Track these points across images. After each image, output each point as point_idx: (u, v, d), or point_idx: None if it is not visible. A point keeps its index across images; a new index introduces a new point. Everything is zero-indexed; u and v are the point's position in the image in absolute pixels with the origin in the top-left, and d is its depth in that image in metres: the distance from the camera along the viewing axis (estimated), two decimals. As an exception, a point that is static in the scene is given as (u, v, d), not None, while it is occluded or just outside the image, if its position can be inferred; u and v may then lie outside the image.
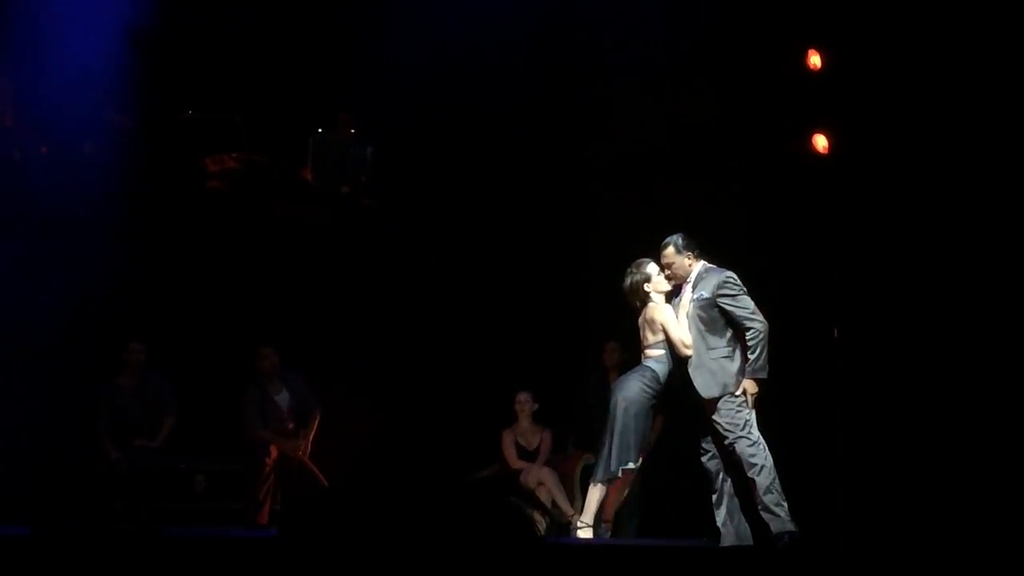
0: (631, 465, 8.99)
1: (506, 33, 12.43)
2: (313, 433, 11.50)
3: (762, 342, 8.68)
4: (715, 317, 8.76)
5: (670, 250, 8.91)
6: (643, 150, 12.64)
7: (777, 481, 8.66)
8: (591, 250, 12.78)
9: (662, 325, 8.93)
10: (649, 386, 9.00)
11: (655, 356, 9.03)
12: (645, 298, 9.08)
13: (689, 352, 8.77)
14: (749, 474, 8.61)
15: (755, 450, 8.62)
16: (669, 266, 8.92)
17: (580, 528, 9.04)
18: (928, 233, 11.27)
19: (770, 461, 8.65)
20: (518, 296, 12.76)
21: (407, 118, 12.86)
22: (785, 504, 8.62)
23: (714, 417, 8.71)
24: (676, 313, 8.88)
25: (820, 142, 11.45)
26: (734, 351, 8.78)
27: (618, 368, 12.10)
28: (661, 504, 11.22)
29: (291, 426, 11.50)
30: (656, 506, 11.19)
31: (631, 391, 8.99)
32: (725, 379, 8.71)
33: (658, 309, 8.99)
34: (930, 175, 11.25)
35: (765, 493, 8.57)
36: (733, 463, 8.70)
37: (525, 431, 12.05)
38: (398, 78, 12.52)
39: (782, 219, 11.93)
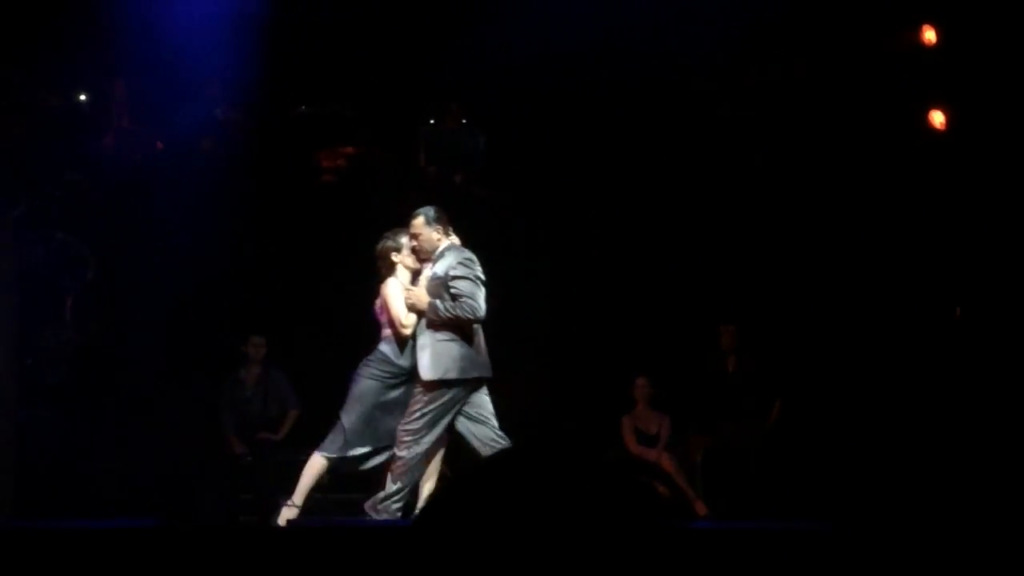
0: (355, 452, 8.63)
1: (616, 19, 12.38)
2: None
3: (461, 313, 8.33)
4: (444, 298, 8.41)
5: (419, 220, 8.56)
6: (750, 128, 12.59)
7: (407, 490, 8.44)
8: (707, 234, 12.72)
9: (386, 301, 8.61)
10: (378, 370, 8.59)
11: (387, 337, 8.64)
12: (391, 268, 8.70)
13: (406, 331, 8.46)
14: (397, 455, 8.38)
15: (411, 440, 8.37)
16: (416, 237, 8.56)
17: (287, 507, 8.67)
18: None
19: (414, 460, 8.41)
20: (634, 281, 12.72)
21: (519, 106, 12.88)
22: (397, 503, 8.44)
23: (416, 394, 8.42)
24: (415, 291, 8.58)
25: (937, 118, 11.31)
26: (461, 336, 8.44)
27: (735, 353, 12.06)
28: (781, 485, 11.15)
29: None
30: (776, 487, 11.13)
31: (360, 381, 8.60)
32: (447, 363, 8.37)
33: (387, 284, 8.67)
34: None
35: (393, 483, 8.38)
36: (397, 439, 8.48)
37: (644, 417, 12.03)
38: (508, 66, 12.53)
39: (899, 197, 11.81)
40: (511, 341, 12.45)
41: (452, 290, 8.37)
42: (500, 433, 8.53)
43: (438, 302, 8.36)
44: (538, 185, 13.06)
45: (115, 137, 12.40)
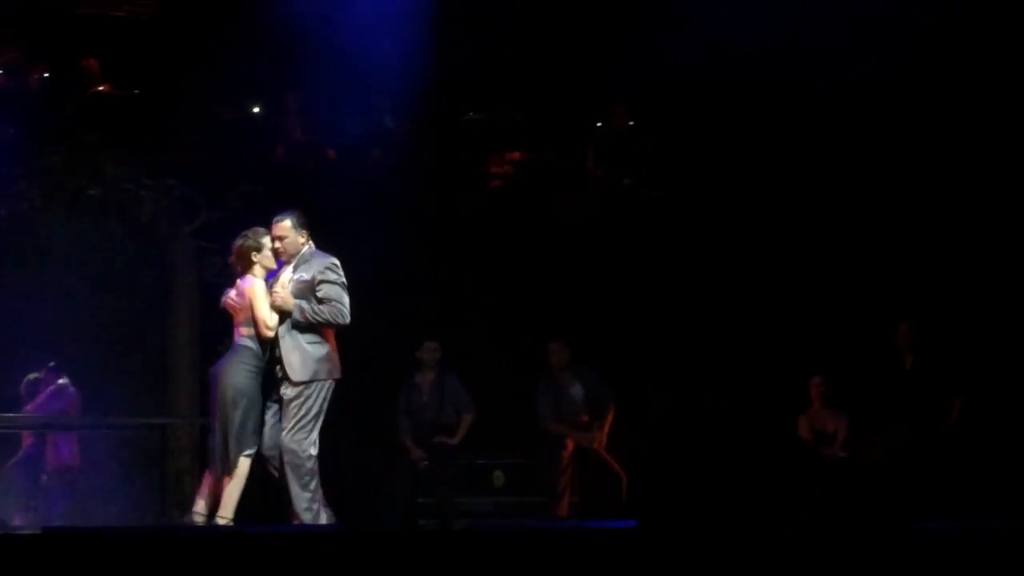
0: (250, 452, 8.52)
1: (784, 20, 12.26)
2: (608, 425, 11.57)
3: (327, 319, 8.36)
4: (312, 301, 8.42)
5: (286, 224, 8.52)
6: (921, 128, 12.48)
7: (316, 483, 8.39)
8: (882, 230, 12.58)
9: (250, 301, 8.51)
10: (252, 368, 8.53)
11: (249, 335, 8.55)
12: (248, 267, 8.61)
13: (270, 333, 8.43)
14: (288, 464, 8.33)
15: (308, 446, 8.35)
16: (281, 239, 8.52)
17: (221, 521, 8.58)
18: None
19: (315, 464, 8.37)
20: (807, 280, 12.61)
21: (685, 108, 12.84)
22: (316, 505, 8.37)
23: (293, 401, 8.40)
24: (270, 293, 8.51)
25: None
26: (323, 339, 8.46)
27: (912, 350, 11.87)
28: (965, 485, 10.97)
29: (585, 418, 11.60)
30: (960, 487, 10.94)
31: (238, 380, 8.48)
32: (316, 365, 8.41)
33: (254, 285, 8.55)
34: None
35: (303, 491, 8.34)
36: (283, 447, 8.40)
37: (820, 416, 11.91)
38: (675, 69, 12.48)
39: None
40: (691, 344, 12.47)
41: (319, 294, 8.46)
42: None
43: (304, 304, 8.45)
44: (707, 186, 13.00)
45: (288, 148, 12.61)
